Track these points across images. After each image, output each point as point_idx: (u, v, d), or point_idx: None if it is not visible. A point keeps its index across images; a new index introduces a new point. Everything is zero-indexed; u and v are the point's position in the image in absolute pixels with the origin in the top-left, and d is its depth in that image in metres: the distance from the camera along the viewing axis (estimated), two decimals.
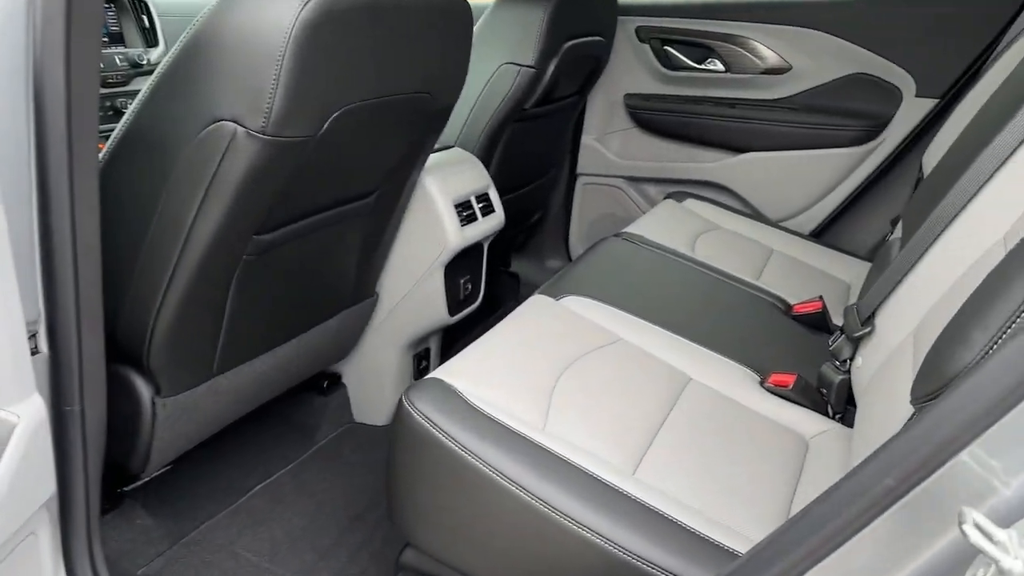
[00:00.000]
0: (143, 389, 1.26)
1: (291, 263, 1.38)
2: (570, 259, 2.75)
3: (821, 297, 1.67)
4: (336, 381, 1.85)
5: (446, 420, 1.04)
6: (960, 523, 0.52)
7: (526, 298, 2.69)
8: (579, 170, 2.63)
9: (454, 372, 1.15)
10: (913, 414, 0.85)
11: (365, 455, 1.76)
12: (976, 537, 0.50)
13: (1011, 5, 1.99)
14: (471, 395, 1.10)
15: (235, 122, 1.06)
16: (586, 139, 2.58)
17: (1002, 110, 1.28)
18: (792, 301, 1.72)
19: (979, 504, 0.56)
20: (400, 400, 1.08)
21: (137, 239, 1.17)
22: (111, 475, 1.34)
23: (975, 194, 1.15)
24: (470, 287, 1.85)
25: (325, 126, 1.14)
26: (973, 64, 2.05)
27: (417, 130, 1.45)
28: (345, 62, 1.12)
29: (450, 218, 1.69)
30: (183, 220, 1.14)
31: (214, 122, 1.07)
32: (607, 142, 2.57)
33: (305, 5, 1.02)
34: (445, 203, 1.69)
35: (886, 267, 1.38)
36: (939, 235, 1.19)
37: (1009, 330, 0.67)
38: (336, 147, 1.22)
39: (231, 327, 1.32)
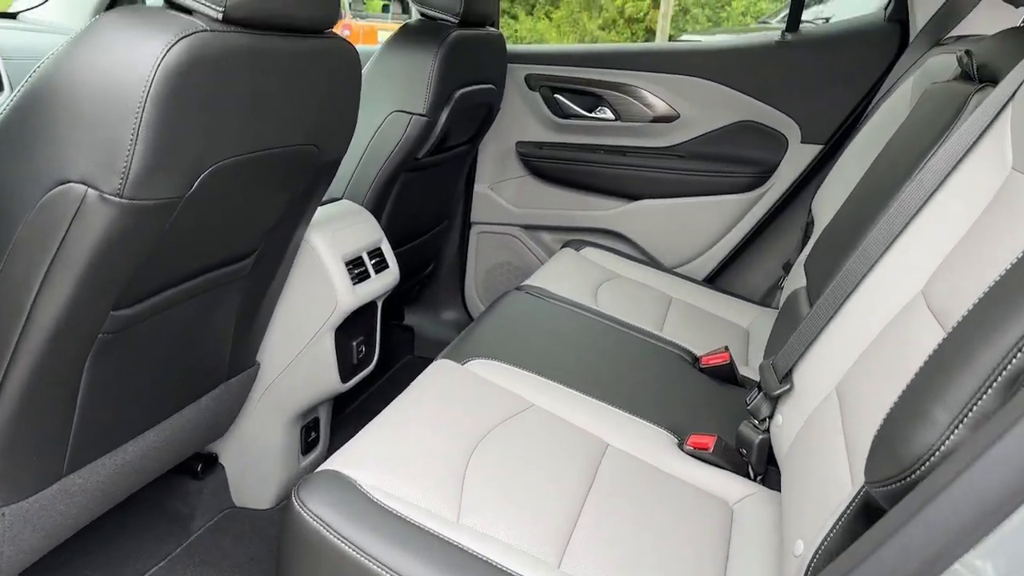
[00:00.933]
0: None
1: (157, 337, 1.21)
2: (466, 310, 2.66)
3: (727, 348, 1.64)
4: (212, 462, 1.65)
5: (344, 521, 0.91)
6: None
7: (421, 353, 2.60)
8: (473, 219, 2.55)
9: (351, 461, 1.02)
10: (861, 489, 0.79)
11: (248, 545, 1.57)
12: None
13: (888, 53, 2.07)
14: (372, 488, 0.96)
15: (85, 184, 0.90)
16: (479, 188, 2.51)
17: (902, 161, 1.29)
18: (697, 352, 1.69)
19: None
20: (290, 499, 0.94)
21: None
22: None
23: (887, 248, 1.14)
24: (364, 349, 1.72)
25: (195, 185, 1.00)
26: (854, 110, 2.13)
27: (303, 184, 1.32)
28: (218, 113, 0.98)
29: (340, 277, 1.56)
30: (23, 299, 0.96)
31: (60, 184, 0.91)
32: (501, 190, 2.51)
33: (169, 48, 0.89)
34: (334, 261, 1.56)
35: (796, 320, 1.35)
36: (853, 290, 1.17)
37: (974, 408, 0.62)
38: (208, 207, 1.08)
39: (85, 417, 1.13)
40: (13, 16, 2.47)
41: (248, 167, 1.09)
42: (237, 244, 1.27)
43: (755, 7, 14.09)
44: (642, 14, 14.91)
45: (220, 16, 0.95)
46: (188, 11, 0.96)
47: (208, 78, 0.94)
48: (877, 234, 1.17)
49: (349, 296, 1.56)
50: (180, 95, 0.90)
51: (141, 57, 0.87)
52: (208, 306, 1.30)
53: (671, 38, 12.79)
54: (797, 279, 1.66)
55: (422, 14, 1.91)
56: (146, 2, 2.06)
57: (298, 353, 1.59)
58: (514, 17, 15.49)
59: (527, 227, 2.53)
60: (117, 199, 0.90)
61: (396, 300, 2.41)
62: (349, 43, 1.24)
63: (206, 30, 0.93)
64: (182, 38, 0.90)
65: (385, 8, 12.53)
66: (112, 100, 0.87)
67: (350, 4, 11.88)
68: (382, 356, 1.83)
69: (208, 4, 0.95)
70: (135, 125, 0.87)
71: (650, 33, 14.62)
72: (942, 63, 1.71)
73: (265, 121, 1.08)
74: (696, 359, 1.66)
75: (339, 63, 1.22)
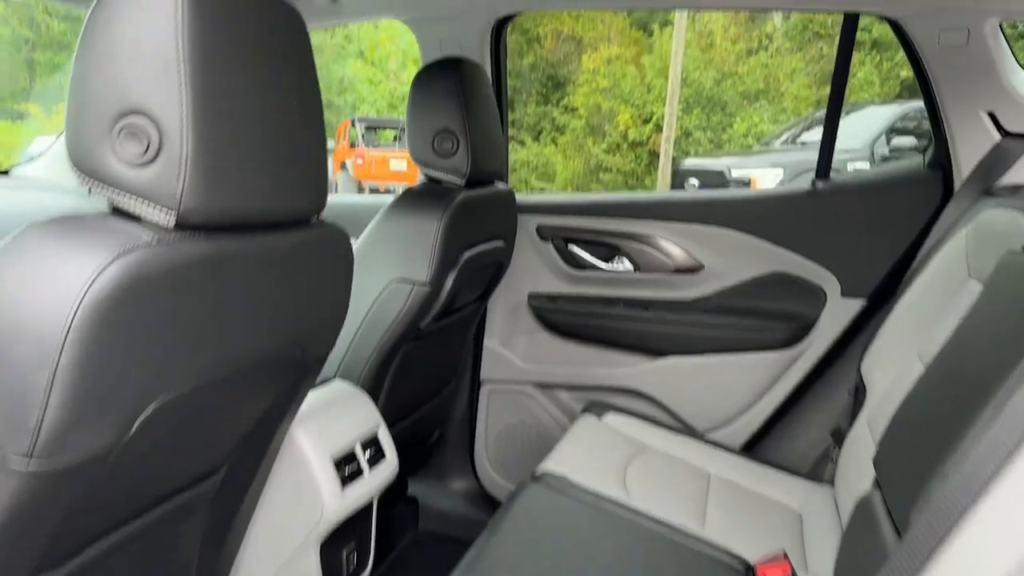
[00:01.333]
0: None
1: None
2: (476, 478, 2.40)
3: (785, 555, 1.38)
4: None
5: None
6: None
7: (426, 527, 2.33)
8: (483, 377, 2.34)
9: None
10: None
11: None
12: None
13: (931, 202, 1.91)
14: None
15: None
16: (489, 343, 2.32)
17: (993, 349, 1.08)
18: (748, 556, 1.43)
19: None
20: None
21: None
22: None
23: (997, 470, 0.91)
24: (356, 558, 1.47)
25: (133, 429, 0.80)
26: (899, 262, 1.94)
27: (284, 386, 1.12)
28: (165, 340, 0.79)
29: (328, 481, 1.33)
30: None
31: None
32: (512, 345, 2.32)
33: (100, 272, 0.70)
34: (322, 462, 1.33)
35: (878, 545, 1.11)
36: (957, 523, 0.93)
37: None
38: (155, 444, 0.87)
39: None
40: (5, 172, 2.39)
41: (208, 391, 0.90)
42: (200, 464, 1.06)
43: (756, 128, 14.41)
44: (645, 138, 15.27)
45: (171, 223, 0.78)
46: (136, 217, 0.79)
47: (151, 302, 0.75)
48: (981, 449, 0.95)
49: (336, 504, 1.33)
50: (111, 329, 0.71)
51: (64, 285, 0.69)
52: (166, 538, 1.07)
53: (674, 160, 12.99)
54: (862, 474, 1.42)
55: (427, 176, 1.77)
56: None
57: (277, 569, 1.35)
58: (521, 143, 15.89)
59: (542, 385, 2.32)
60: (25, 463, 0.70)
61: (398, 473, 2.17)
62: (339, 228, 1.07)
63: (151, 244, 0.75)
64: (118, 257, 0.72)
65: (396, 139, 12.97)
66: (23, 341, 0.68)
67: (363, 135, 12.30)
68: (382, 536, 1.58)
69: (157, 208, 0.77)
70: (49, 373, 0.68)
71: (654, 156, 14.91)
72: (999, 218, 1.54)
73: (231, 336, 0.89)
74: (749, 568, 1.40)
75: (327, 255, 1.05)
